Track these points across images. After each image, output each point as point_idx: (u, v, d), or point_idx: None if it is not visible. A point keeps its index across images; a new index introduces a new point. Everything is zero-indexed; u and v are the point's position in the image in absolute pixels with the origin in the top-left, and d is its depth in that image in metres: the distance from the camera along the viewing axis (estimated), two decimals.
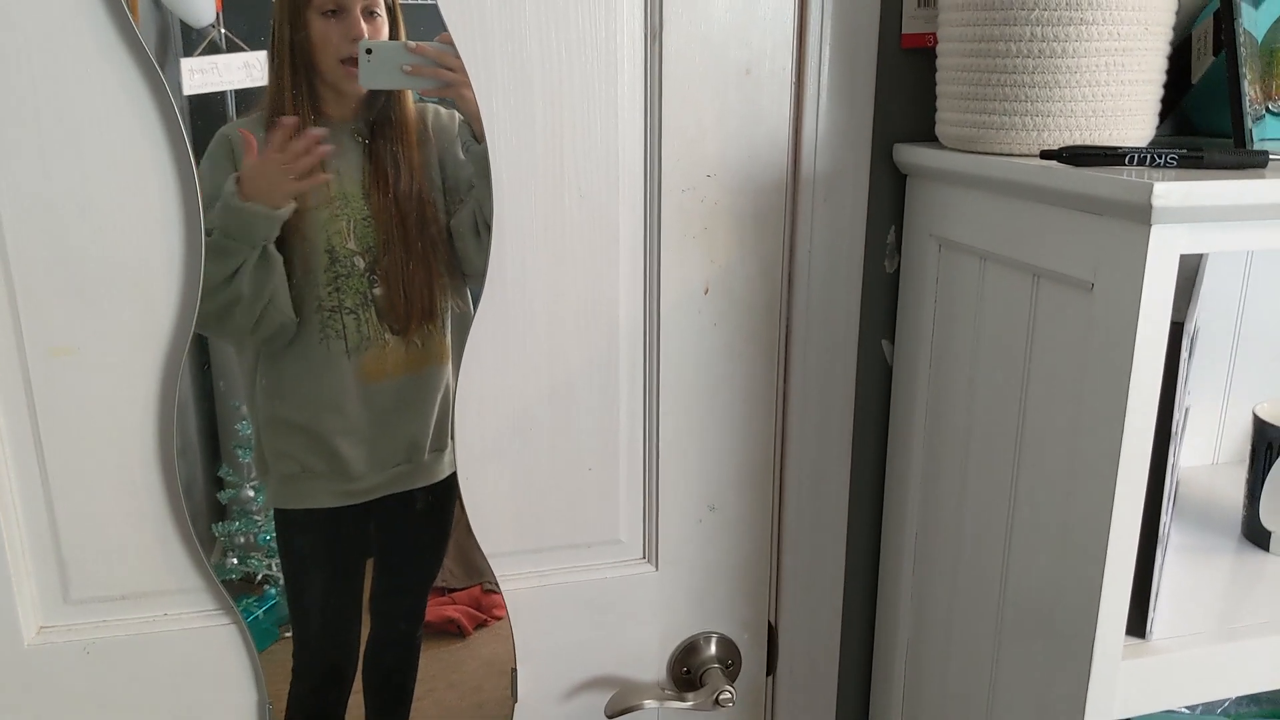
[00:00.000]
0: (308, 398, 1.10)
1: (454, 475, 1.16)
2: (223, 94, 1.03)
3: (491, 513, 0.98)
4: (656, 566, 1.03)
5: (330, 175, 1.06)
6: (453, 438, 1.15)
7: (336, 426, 1.10)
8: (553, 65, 0.88)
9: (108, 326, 0.86)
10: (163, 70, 1.01)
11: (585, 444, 0.99)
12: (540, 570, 1.01)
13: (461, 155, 1.13)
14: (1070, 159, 0.76)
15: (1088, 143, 0.82)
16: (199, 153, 0.99)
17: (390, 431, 1.11)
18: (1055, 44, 0.80)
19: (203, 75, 1.06)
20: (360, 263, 1.06)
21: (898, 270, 1.00)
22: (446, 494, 1.17)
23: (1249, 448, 0.96)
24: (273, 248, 1.07)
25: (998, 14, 0.81)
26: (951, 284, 0.93)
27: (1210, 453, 1.19)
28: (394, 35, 1.11)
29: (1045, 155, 0.78)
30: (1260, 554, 0.95)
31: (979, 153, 0.86)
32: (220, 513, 2.17)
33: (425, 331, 1.11)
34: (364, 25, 1.06)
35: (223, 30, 1.04)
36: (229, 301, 1.04)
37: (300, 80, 1.08)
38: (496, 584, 1.00)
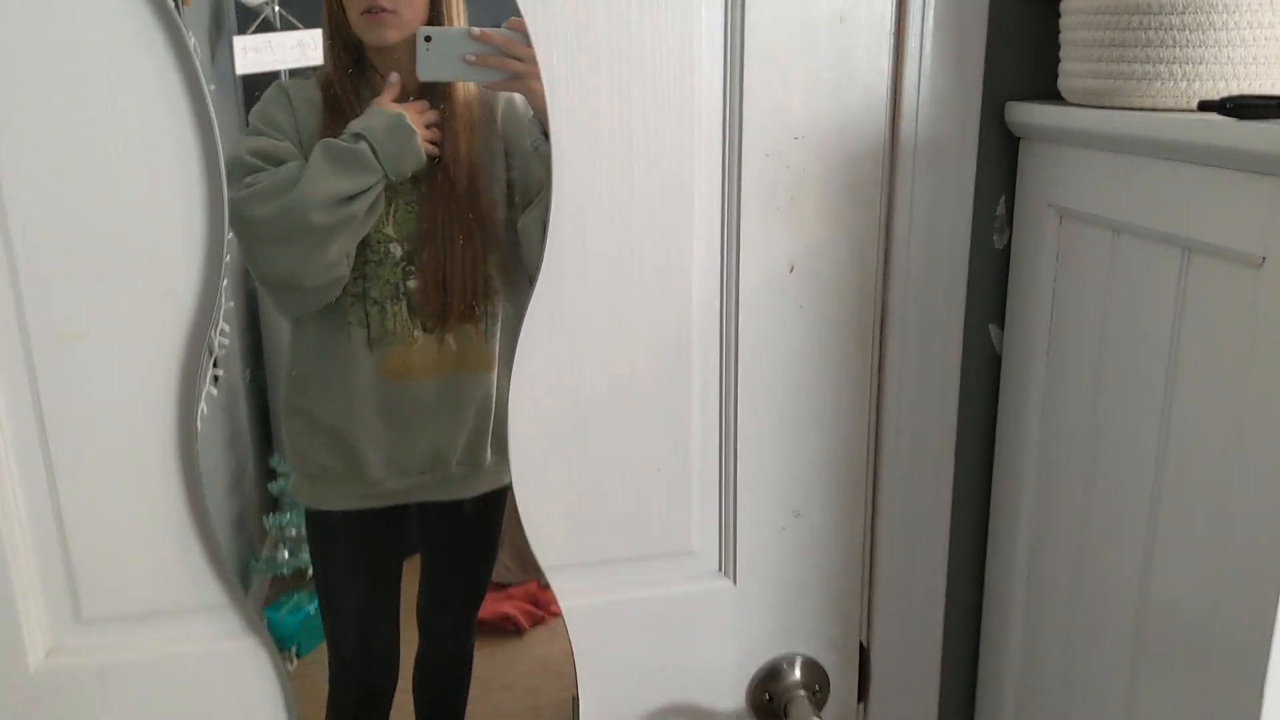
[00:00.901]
0: (326, 389, 1.05)
1: (495, 493, 1.09)
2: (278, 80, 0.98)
3: (548, 521, 0.90)
4: (734, 580, 0.94)
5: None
6: (495, 451, 1.07)
7: (353, 424, 1.04)
8: (619, 9, 0.79)
9: (122, 309, 0.79)
10: (214, 50, 0.94)
11: (653, 443, 0.90)
12: (603, 585, 0.92)
13: (533, 151, 1.05)
14: (1235, 110, 0.67)
15: (1250, 93, 0.72)
16: (247, 106, 0.94)
17: (411, 437, 1.04)
18: None
19: (256, 54, 1.00)
20: (396, 250, 1.00)
21: (1008, 246, 0.91)
22: (486, 509, 1.10)
23: None
24: (383, 195, 1.00)
25: None
26: (1075, 260, 0.83)
27: None
28: (444, 16, 1.04)
29: (1204, 106, 0.69)
30: None
31: (1115, 108, 0.77)
32: (272, 504, 2.10)
33: (463, 334, 1.04)
34: None
35: (277, 8, 1.00)
36: (340, 222, 0.97)
37: (343, 44, 1.01)
38: (548, 583, 0.92)
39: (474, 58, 0.89)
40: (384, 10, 0.99)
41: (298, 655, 1.28)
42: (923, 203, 0.88)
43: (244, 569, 1.86)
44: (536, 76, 0.81)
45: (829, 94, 0.85)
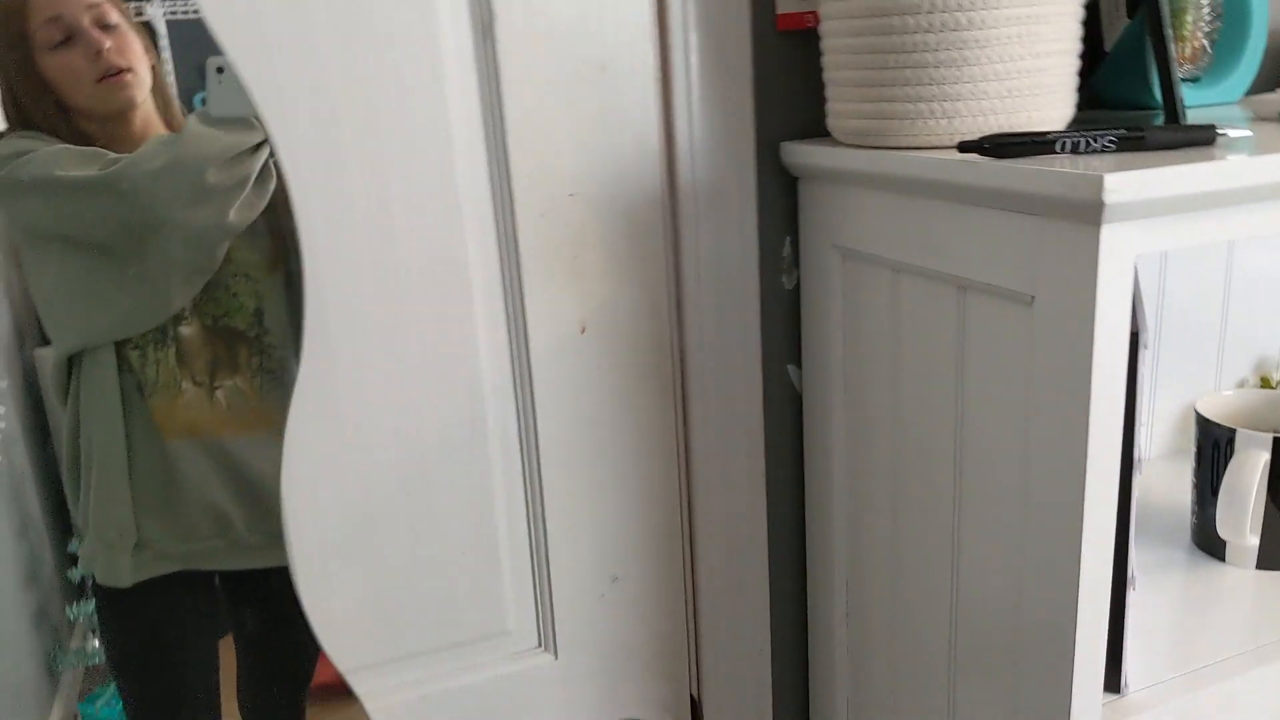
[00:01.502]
0: (95, 439, 0.95)
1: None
2: None
3: (342, 621, 0.82)
4: (555, 654, 0.88)
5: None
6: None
7: (125, 480, 0.94)
8: (359, 77, 0.72)
9: None
10: None
11: (454, 526, 0.83)
12: (414, 680, 0.85)
13: None
14: (994, 150, 0.65)
15: (1004, 128, 0.71)
16: None
17: (187, 498, 0.96)
18: (959, 13, 0.69)
19: None
20: None
21: (798, 286, 0.88)
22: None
23: (1193, 447, 0.88)
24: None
25: None
26: (861, 299, 0.81)
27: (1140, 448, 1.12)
28: (150, 49, 0.98)
29: (964, 148, 0.67)
30: (1215, 564, 0.87)
31: (881, 148, 0.74)
32: (76, 592, 1.90)
33: (235, 391, 0.96)
34: (103, 36, 0.91)
35: None
36: (236, 182, 0.89)
37: (62, 134, 0.91)
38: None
39: None
40: (122, 70, 0.90)
41: None
42: (708, 248, 0.84)
43: (51, 664, 1.69)
44: None
45: (599, 146, 0.80)
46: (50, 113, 0.90)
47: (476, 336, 0.80)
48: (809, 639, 0.95)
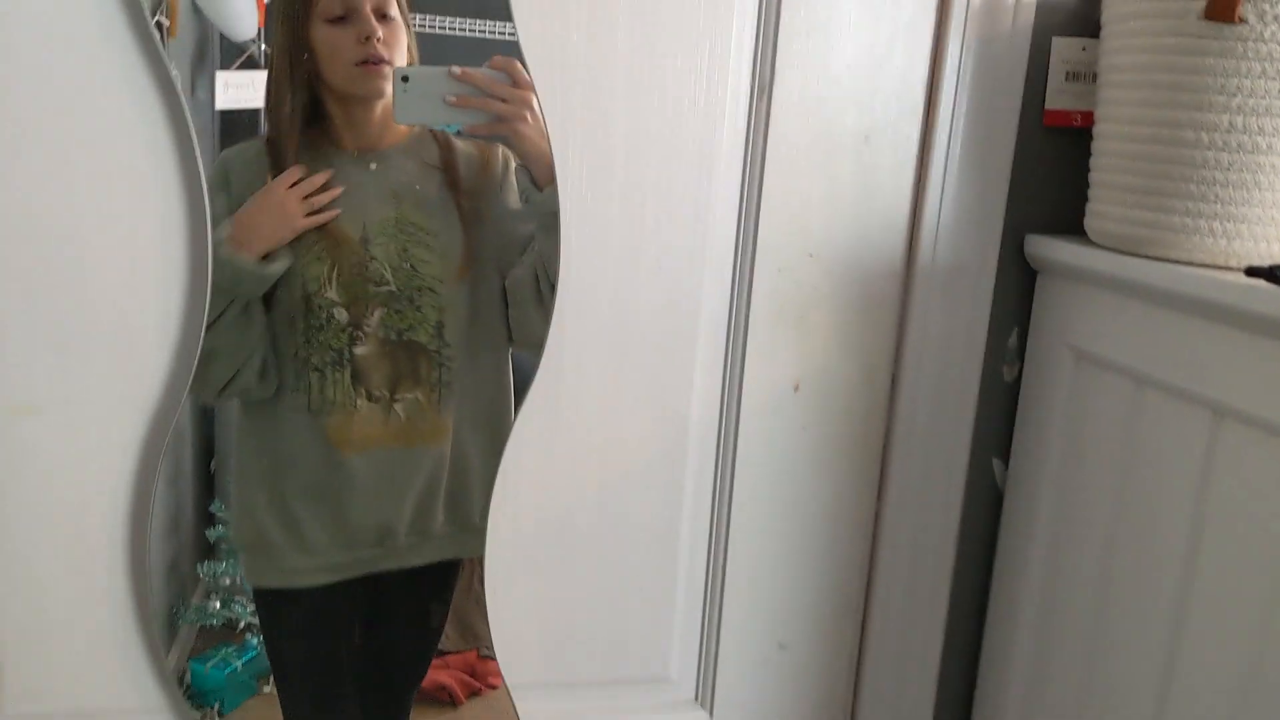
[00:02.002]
0: (271, 454, 0.95)
1: (447, 563, 1.00)
2: (255, 118, 0.91)
3: (519, 638, 0.82)
4: (711, 712, 0.86)
5: (335, 213, 0.92)
6: (448, 519, 0.99)
7: (295, 493, 0.94)
8: (642, 111, 0.73)
9: (82, 384, 0.71)
10: (195, 83, 0.86)
11: (637, 559, 0.83)
12: (571, 710, 0.84)
13: (514, 204, 0.98)
14: None
15: None
16: (223, 143, 0.87)
17: (355, 510, 0.94)
18: (1260, 137, 0.66)
19: (238, 90, 0.92)
20: (341, 315, 0.90)
21: (1018, 379, 0.85)
22: (437, 580, 1.01)
23: None
24: (257, 302, 0.93)
25: (1186, 95, 0.68)
26: (1091, 405, 0.78)
27: None
28: (413, 51, 0.98)
29: (1252, 272, 0.64)
30: None
31: (1147, 257, 0.72)
32: (208, 550, 1.96)
33: (413, 404, 0.96)
34: (377, 25, 0.93)
35: (263, 46, 0.93)
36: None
37: (303, 100, 0.94)
38: (494, 650, 0.83)
39: (454, 99, 0.83)
40: (383, 61, 0.92)
41: (220, 713, 1.17)
42: (936, 328, 0.82)
43: (172, 616, 1.73)
44: (524, 119, 0.74)
45: (848, 211, 0.79)
46: (305, 77, 0.92)
47: (693, 377, 0.80)
48: None
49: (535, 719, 0.83)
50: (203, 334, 0.73)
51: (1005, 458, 0.87)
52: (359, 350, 0.91)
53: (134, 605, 0.76)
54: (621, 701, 0.85)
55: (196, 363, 0.78)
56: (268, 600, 1.03)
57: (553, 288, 0.79)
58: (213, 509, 1.84)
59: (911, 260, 0.82)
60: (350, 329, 0.91)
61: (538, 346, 0.81)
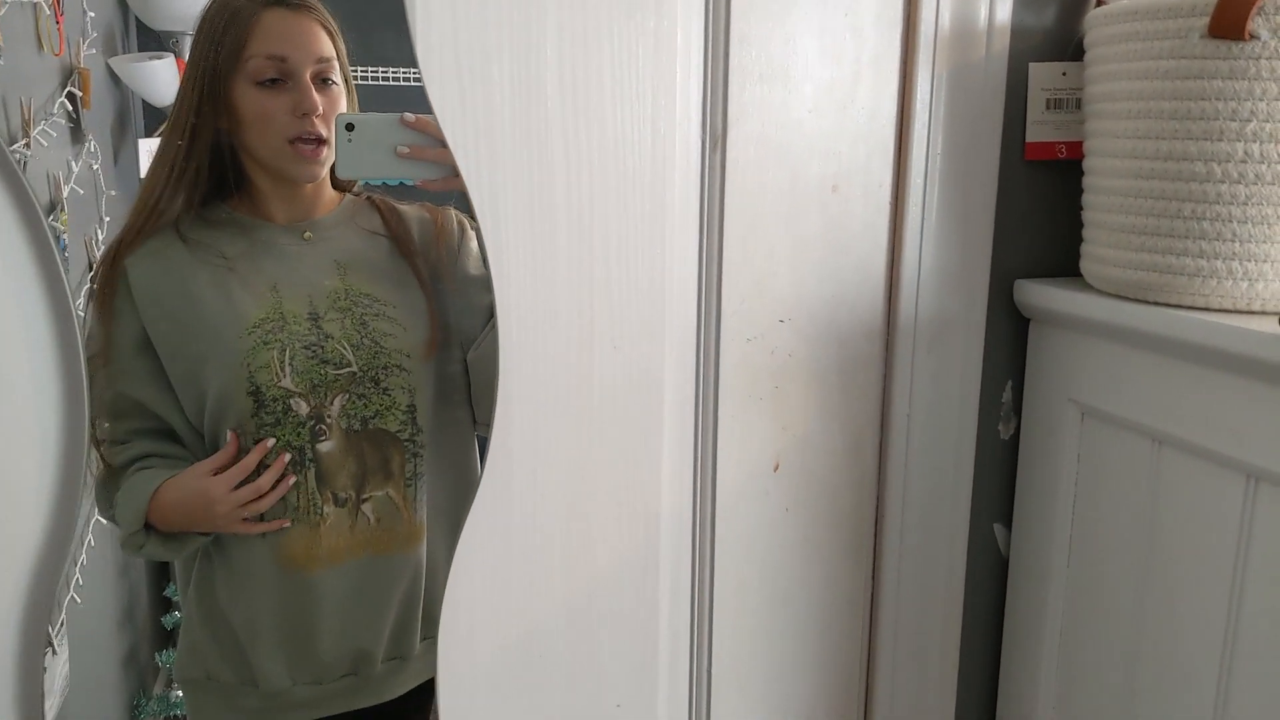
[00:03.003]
0: (221, 577, 0.80)
1: (425, 686, 0.87)
2: None
3: None
4: None
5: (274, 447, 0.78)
6: (425, 635, 0.86)
7: (251, 621, 0.79)
8: (582, 176, 0.63)
9: None
10: (117, 153, 0.74)
11: (611, 673, 0.72)
12: None
13: (475, 270, 0.86)
14: None
15: None
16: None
17: (323, 638, 0.80)
18: None
19: None
20: (301, 407, 0.77)
21: (1015, 437, 0.76)
22: (417, 709, 0.88)
23: None
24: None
25: (1192, 124, 0.59)
26: (1102, 465, 0.69)
27: None
28: (354, 108, 0.85)
29: None
30: None
31: (1155, 303, 0.63)
32: (165, 638, 1.80)
33: (384, 503, 0.81)
34: (317, 97, 0.77)
35: None
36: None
37: (222, 167, 0.81)
38: None
39: (407, 149, 0.71)
40: (321, 142, 0.78)
41: None
42: (923, 388, 0.73)
43: (133, 710, 1.60)
44: None
45: (819, 269, 0.70)
46: (217, 141, 0.79)
47: (661, 463, 0.70)
48: None
49: None
50: (80, 495, 0.61)
51: (1007, 522, 0.77)
52: (322, 447, 0.77)
53: None
54: None
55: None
56: None
57: None
58: (168, 593, 1.70)
59: (892, 316, 0.72)
60: (311, 422, 0.77)
61: None
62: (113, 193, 1.42)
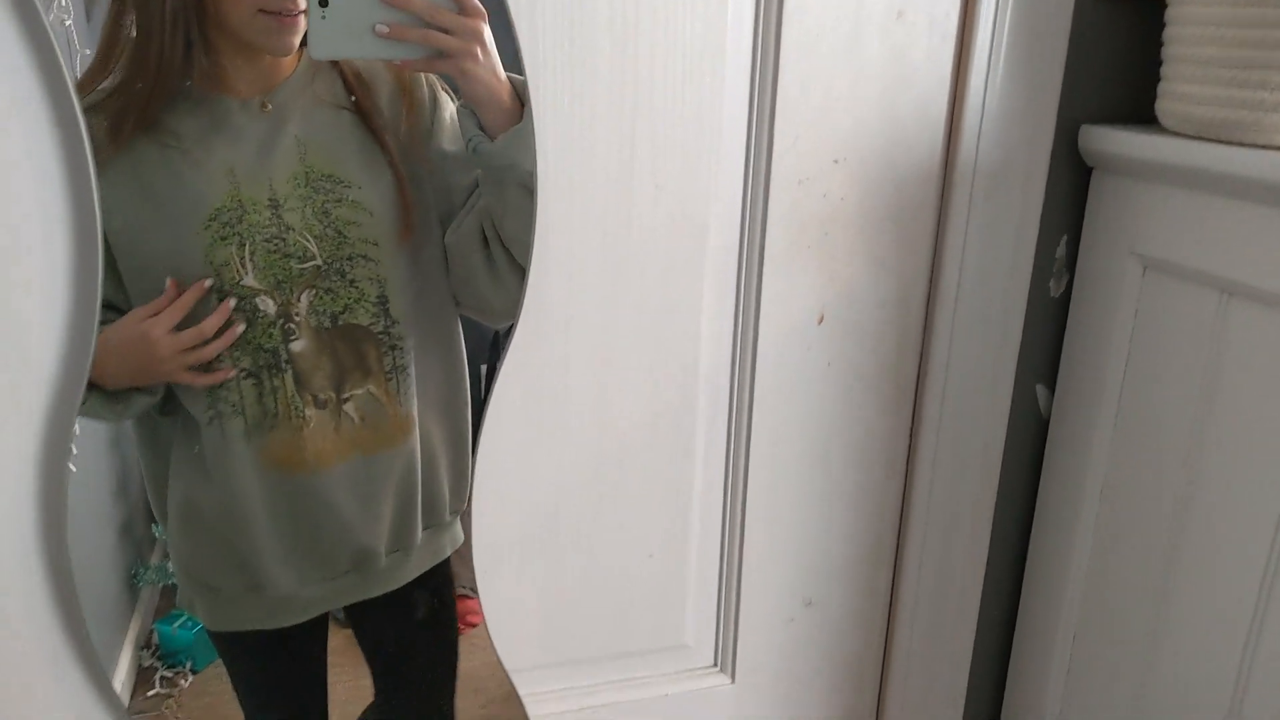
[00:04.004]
0: (208, 494, 0.74)
1: (437, 569, 0.83)
2: None
3: (517, 621, 0.68)
4: (733, 677, 0.74)
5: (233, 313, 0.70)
6: (427, 525, 0.82)
7: (243, 532, 0.75)
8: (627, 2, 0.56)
9: None
10: (90, 6, 0.68)
11: (644, 524, 0.69)
12: (580, 686, 0.72)
13: (451, 146, 0.77)
14: None
15: None
16: None
17: (322, 539, 0.75)
18: None
19: None
20: (268, 305, 0.70)
21: (1065, 295, 0.72)
22: (433, 591, 0.85)
23: None
24: None
25: None
26: (1163, 319, 0.65)
27: None
28: None
29: None
30: None
31: (1239, 144, 0.57)
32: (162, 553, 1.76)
33: (368, 400, 0.75)
34: None
35: None
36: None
37: (182, 36, 0.70)
38: (473, 589, 0.70)
39: (386, 28, 0.63)
40: (296, 12, 0.68)
41: (193, 671, 1.03)
42: (977, 239, 0.68)
43: (131, 579, 1.59)
44: (473, 55, 0.57)
45: (879, 104, 0.64)
46: (180, 19, 0.68)
47: (701, 314, 0.66)
48: (1007, 696, 0.80)
49: (540, 700, 0.71)
50: (95, 334, 0.56)
51: (1050, 383, 0.74)
52: (295, 347, 0.70)
53: (61, 619, 0.61)
54: (636, 673, 0.73)
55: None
56: (228, 644, 0.83)
57: (505, 249, 0.62)
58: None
59: (950, 160, 0.67)
60: (281, 321, 0.71)
61: (487, 311, 0.65)
62: (86, 52, 1.31)
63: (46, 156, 0.53)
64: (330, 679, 0.87)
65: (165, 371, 0.69)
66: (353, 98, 0.75)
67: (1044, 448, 0.75)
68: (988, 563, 0.75)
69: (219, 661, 0.91)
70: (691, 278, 0.64)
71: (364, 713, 0.85)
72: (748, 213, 0.64)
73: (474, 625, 0.72)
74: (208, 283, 0.68)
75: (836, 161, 0.64)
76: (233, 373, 0.70)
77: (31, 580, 0.61)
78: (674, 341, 0.65)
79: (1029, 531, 0.77)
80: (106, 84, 0.67)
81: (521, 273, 0.63)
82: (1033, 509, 0.76)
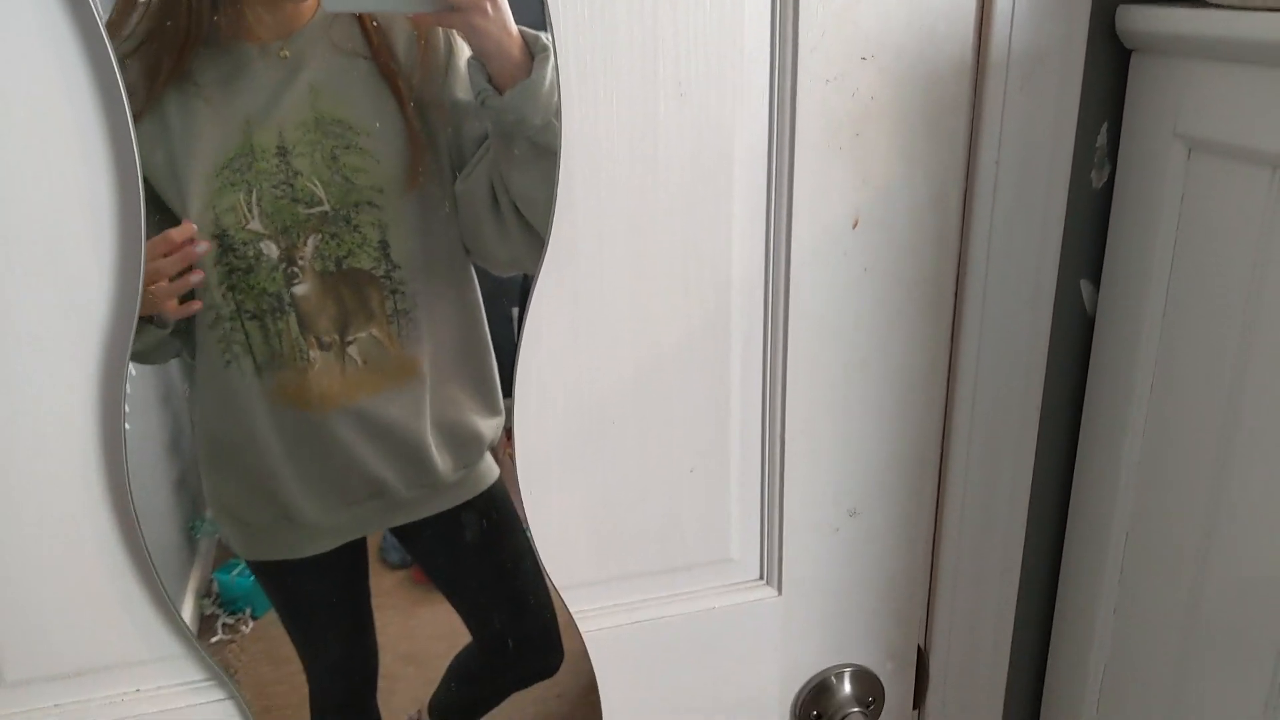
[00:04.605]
0: (226, 432, 0.77)
1: (482, 496, 0.84)
2: None
3: (564, 537, 0.69)
4: (779, 590, 0.74)
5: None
6: (460, 465, 0.83)
7: (263, 465, 0.77)
8: None
9: (19, 313, 0.55)
10: None
11: (684, 438, 0.69)
12: (627, 603, 0.72)
13: (464, 95, 0.77)
14: None
15: None
16: None
17: (336, 471, 0.78)
18: None
19: None
20: (271, 250, 0.71)
21: (1108, 185, 0.69)
22: (489, 513, 0.86)
23: None
24: None
25: None
26: (1212, 205, 0.62)
27: None
28: None
29: None
30: None
31: None
32: None
33: (368, 343, 0.76)
34: None
35: None
36: None
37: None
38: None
39: None
40: None
41: (253, 617, 1.07)
42: (1013, 131, 0.65)
43: (189, 531, 1.64)
44: (482, 8, 0.57)
45: None
46: None
47: (732, 222, 0.64)
48: (1057, 606, 0.79)
49: (589, 617, 0.71)
50: (140, 280, 0.56)
51: (1095, 278, 0.71)
52: (298, 290, 0.71)
53: (124, 542, 0.63)
54: (682, 588, 0.73)
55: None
56: (268, 574, 0.86)
57: (513, 205, 0.62)
58: None
59: (983, 50, 0.64)
60: (284, 265, 0.71)
61: (491, 261, 0.66)
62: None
63: (86, 106, 0.53)
64: (380, 622, 0.89)
65: (149, 300, 0.69)
66: (370, 45, 0.75)
67: (1090, 345, 0.73)
68: (1035, 465, 0.74)
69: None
70: (721, 186, 0.63)
71: (460, 654, 0.86)
72: (775, 114, 0.62)
73: None
74: (193, 228, 0.69)
75: (865, 58, 0.62)
76: (198, 305, 0.71)
77: (101, 528, 0.63)
78: (706, 251, 0.64)
79: (1076, 433, 0.75)
80: (140, 26, 0.67)
81: (526, 226, 0.63)
82: (1080, 409, 0.74)
